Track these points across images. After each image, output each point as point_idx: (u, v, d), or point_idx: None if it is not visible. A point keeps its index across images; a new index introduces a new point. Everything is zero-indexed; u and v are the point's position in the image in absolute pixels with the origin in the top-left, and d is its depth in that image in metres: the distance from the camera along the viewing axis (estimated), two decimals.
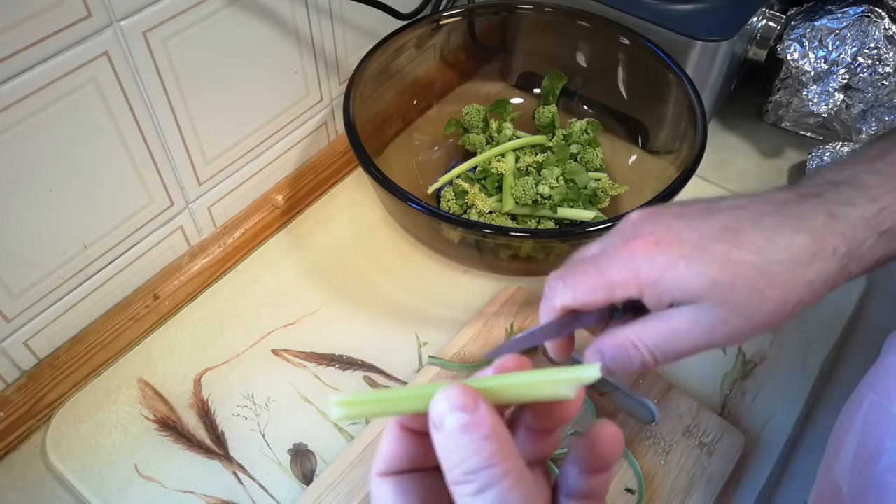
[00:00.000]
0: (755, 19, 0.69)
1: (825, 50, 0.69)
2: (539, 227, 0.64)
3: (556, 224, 0.64)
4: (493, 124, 0.70)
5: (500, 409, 0.27)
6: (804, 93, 0.71)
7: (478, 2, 0.75)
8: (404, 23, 0.66)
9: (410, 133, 0.71)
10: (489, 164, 0.66)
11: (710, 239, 0.34)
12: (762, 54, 0.72)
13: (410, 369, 0.57)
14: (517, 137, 0.69)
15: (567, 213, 0.64)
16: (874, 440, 0.40)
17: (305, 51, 0.61)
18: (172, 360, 0.57)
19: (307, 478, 0.52)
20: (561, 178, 0.65)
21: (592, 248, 0.38)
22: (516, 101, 0.75)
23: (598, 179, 0.66)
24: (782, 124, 0.77)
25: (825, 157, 0.70)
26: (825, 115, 0.72)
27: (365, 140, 0.57)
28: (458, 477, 0.24)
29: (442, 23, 0.68)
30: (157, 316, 0.59)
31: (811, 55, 0.69)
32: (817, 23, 0.69)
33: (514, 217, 0.65)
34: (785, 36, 0.70)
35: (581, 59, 0.72)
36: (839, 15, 0.68)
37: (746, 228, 0.34)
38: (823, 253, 0.33)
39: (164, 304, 0.59)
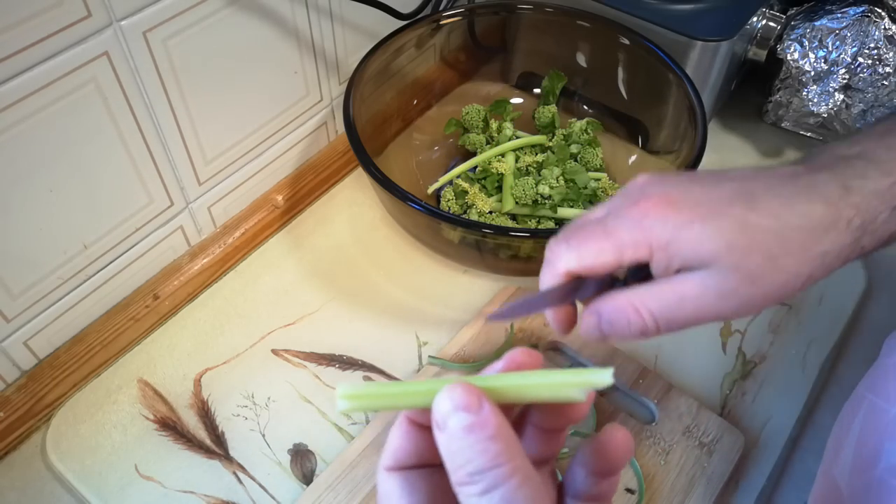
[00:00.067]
0: (755, 19, 0.69)
1: (825, 50, 0.69)
2: (539, 227, 0.64)
3: (556, 224, 0.64)
4: (493, 124, 0.70)
5: (507, 407, 0.27)
6: (804, 93, 0.71)
7: (478, 2, 0.75)
8: (404, 23, 0.66)
9: (410, 133, 0.71)
10: (489, 164, 0.66)
11: (725, 202, 0.32)
12: (762, 54, 0.72)
13: (410, 369, 0.57)
14: (517, 137, 0.69)
15: (567, 213, 0.64)
16: (873, 442, 0.40)
17: (305, 51, 0.61)
18: (172, 360, 0.57)
19: (307, 478, 0.52)
20: (561, 178, 0.65)
21: (597, 212, 0.36)
22: (516, 101, 0.75)
23: (598, 179, 0.66)
24: (782, 124, 0.77)
25: None
26: (825, 116, 0.72)
27: (365, 140, 0.57)
28: (464, 478, 0.24)
29: (442, 23, 0.68)
30: (157, 316, 0.59)
31: (811, 55, 0.69)
32: (817, 23, 0.69)
33: (514, 217, 0.65)
34: (785, 36, 0.70)
35: (581, 59, 0.72)
36: (839, 15, 0.68)
37: (762, 194, 0.33)
38: (838, 224, 0.32)
39: (164, 304, 0.59)
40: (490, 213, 0.65)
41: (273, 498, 0.51)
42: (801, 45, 0.69)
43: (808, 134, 0.77)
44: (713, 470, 0.50)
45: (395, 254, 0.65)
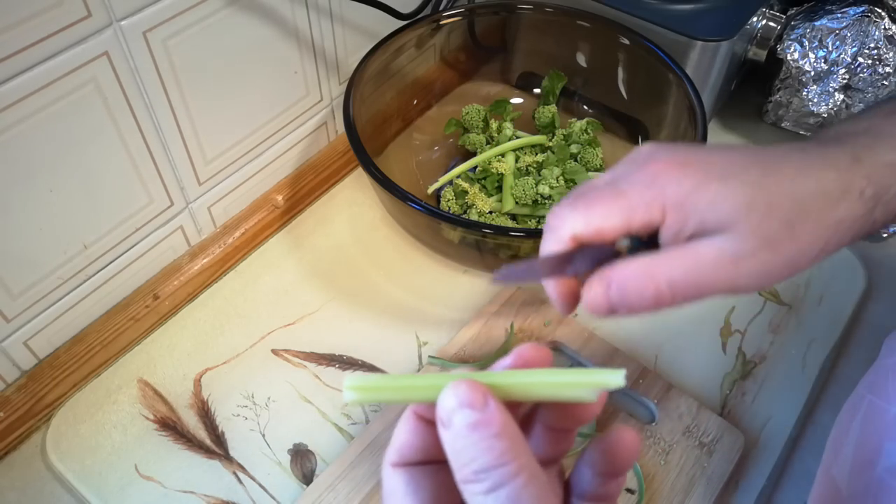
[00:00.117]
0: (755, 19, 0.69)
1: (825, 50, 0.69)
2: (539, 227, 0.64)
3: None
4: (493, 124, 0.70)
5: (515, 405, 0.27)
6: (804, 93, 0.71)
7: (478, 2, 0.75)
8: (404, 23, 0.66)
9: (410, 133, 0.71)
10: (489, 164, 0.66)
11: (739, 166, 0.31)
12: (762, 54, 0.72)
13: (411, 369, 0.57)
14: (517, 137, 0.69)
15: None
16: (873, 442, 0.40)
17: (305, 51, 0.61)
18: (172, 360, 0.57)
19: (307, 478, 0.52)
20: (561, 178, 0.65)
21: (601, 178, 0.34)
22: (516, 101, 0.75)
23: None
24: (782, 124, 0.77)
25: None
26: (825, 115, 0.72)
27: (365, 140, 0.57)
28: (469, 476, 0.24)
29: (442, 23, 0.68)
30: (157, 316, 0.59)
31: (811, 55, 0.69)
32: (817, 23, 0.69)
33: (514, 217, 0.65)
34: (785, 36, 0.70)
35: (581, 59, 0.72)
36: (839, 15, 0.68)
37: (774, 161, 0.32)
38: (851, 192, 0.31)
39: (164, 304, 0.59)
40: (490, 213, 0.65)
41: (273, 498, 0.51)
42: (801, 45, 0.69)
43: (808, 134, 0.77)
44: (713, 470, 0.50)
45: (395, 254, 0.65)
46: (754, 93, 0.79)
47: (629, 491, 0.49)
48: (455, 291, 0.63)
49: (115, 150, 0.51)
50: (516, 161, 0.67)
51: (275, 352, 0.58)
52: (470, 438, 0.24)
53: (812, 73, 0.69)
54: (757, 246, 0.30)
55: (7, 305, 0.49)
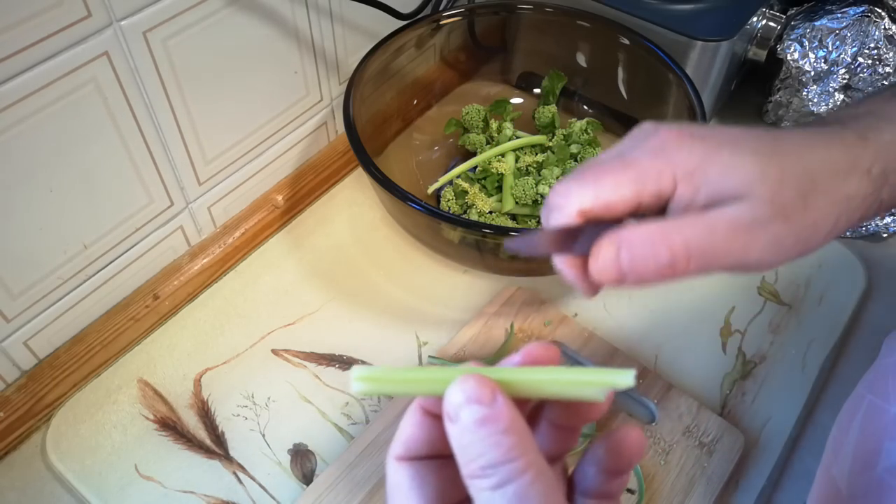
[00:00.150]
0: (755, 19, 0.69)
1: (825, 50, 0.69)
2: (539, 227, 0.64)
3: None
4: (493, 124, 0.70)
5: (521, 401, 0.26)
6: (804, 93, 0.71)
7: (478, 2, 0.75)
8: (404, 23, 0.66)
9: (410, 133, 0.71)
10: (489, 164, 0.66)
11: (746, 139, 0.30)
12: (762, 54, 0.72)
13: None
14: (517, 137, 0.69)
15: None
16: (873, 442, 0.40)
17: (305, 51, 0.61)
18: (172, 360, 0.57)
19: (307, 478, 0.52)
20: (561, 177, 0.65)
21: (606, 153, 0.32)
22: (516, 101, 0.75)
23: None
24: (782, 124, 0.77)
25: None
26: (825, 116, 0.72)
27: (365, 140, 0.57)
28: (476, 471, 0.23)
29: (442, 23, 0.68)
30: (157, 316, 0.59)
31: (811, 55, 0.69)
32: (817, 23, 0.69)
33: (514, 217, 0.65)
34: (785, 36, 0.70)
35: (581, 59, 0.72)
36: (839, 15, 0.68)
37: (781, 136, 0.31)
38: (859, 168, 0.31)
39: (164, 304, 0.59)
40: (490, 213, 0.65)
41: (273, 498, 0.51)
42: (801, 45, 0.69)
43: None
44: (713, 470, 0.50)
45: (395, 254, 0.65)
46: (754, 93, 0.79)
47: (629, 491, 0.49)
48: (455, 291, 0.63)
49: (115, 149, 0.51)
50: (516, 161, 0.67)
51: (275, 352, 0.58)
52: (477, 434, 0.23)
53: (812, 73, 0.69)
54: (771, 215, 0.29)
55: (7, 305, 0.49)
